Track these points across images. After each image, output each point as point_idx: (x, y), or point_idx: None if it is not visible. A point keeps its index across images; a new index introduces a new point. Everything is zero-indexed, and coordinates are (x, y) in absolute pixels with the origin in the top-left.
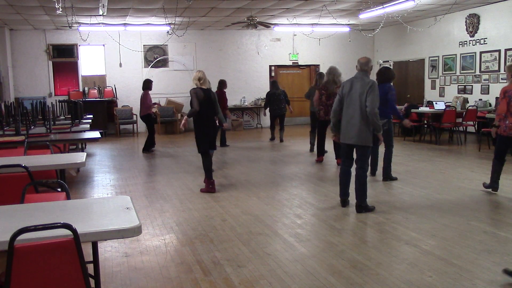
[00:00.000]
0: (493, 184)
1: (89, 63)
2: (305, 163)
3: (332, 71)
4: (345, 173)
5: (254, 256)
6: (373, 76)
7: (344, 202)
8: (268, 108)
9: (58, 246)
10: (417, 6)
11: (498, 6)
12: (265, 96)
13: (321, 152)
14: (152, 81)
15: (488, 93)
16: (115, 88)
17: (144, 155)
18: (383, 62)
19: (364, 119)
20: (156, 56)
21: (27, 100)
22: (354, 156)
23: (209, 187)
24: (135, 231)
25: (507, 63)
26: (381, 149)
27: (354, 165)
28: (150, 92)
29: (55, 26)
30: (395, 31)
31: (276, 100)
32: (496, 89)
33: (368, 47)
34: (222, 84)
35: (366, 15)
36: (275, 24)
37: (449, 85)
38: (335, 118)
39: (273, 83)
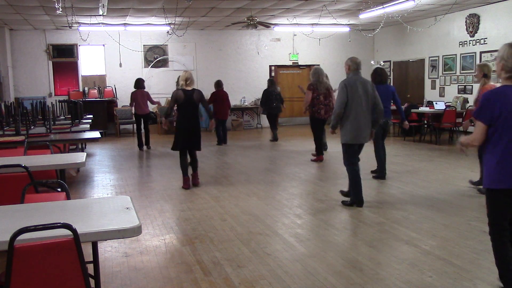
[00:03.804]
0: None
1: (89, 63)
2: (304, 163)
3: (318, 72)
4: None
5: (254, 256)
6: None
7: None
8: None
9: (58, 246)
10: (417, 6)
11: (498, 6)
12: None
13: (321, 151)
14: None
15: None
16: (115, 88)
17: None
18: (384, 62)
19: (370, 118)
20: (156, 56)
21: (27, 100)
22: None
23: (184, 183)
24: (135, 231)
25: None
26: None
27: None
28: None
29: (55, 26)
30: (395, 31)
31: (274, 99)
32: None
33: (368, 47)
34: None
35: (366, 15)
36: (275, 24)
37: (449, 85)
38: (338, 120)
39: (272, 81)
